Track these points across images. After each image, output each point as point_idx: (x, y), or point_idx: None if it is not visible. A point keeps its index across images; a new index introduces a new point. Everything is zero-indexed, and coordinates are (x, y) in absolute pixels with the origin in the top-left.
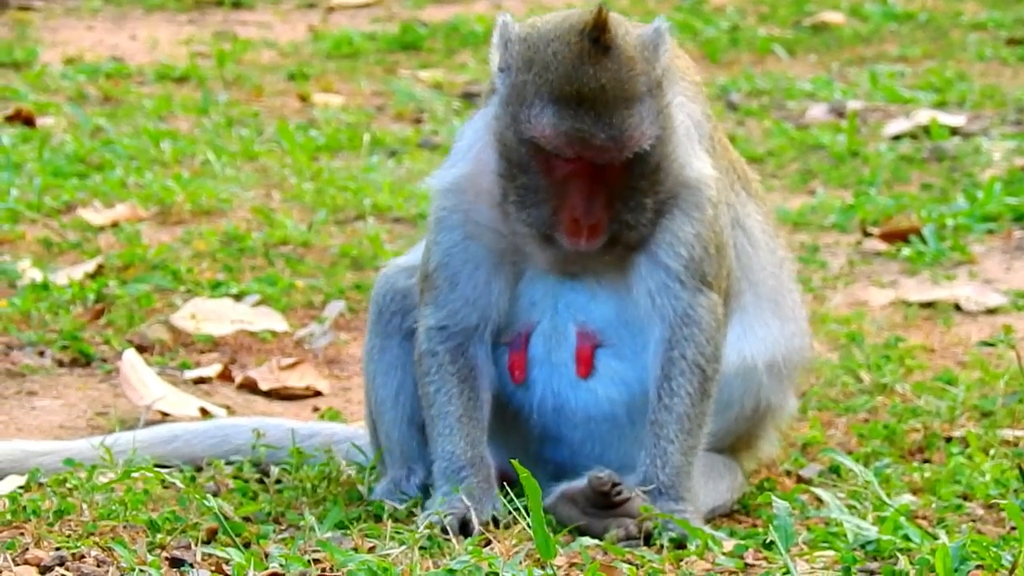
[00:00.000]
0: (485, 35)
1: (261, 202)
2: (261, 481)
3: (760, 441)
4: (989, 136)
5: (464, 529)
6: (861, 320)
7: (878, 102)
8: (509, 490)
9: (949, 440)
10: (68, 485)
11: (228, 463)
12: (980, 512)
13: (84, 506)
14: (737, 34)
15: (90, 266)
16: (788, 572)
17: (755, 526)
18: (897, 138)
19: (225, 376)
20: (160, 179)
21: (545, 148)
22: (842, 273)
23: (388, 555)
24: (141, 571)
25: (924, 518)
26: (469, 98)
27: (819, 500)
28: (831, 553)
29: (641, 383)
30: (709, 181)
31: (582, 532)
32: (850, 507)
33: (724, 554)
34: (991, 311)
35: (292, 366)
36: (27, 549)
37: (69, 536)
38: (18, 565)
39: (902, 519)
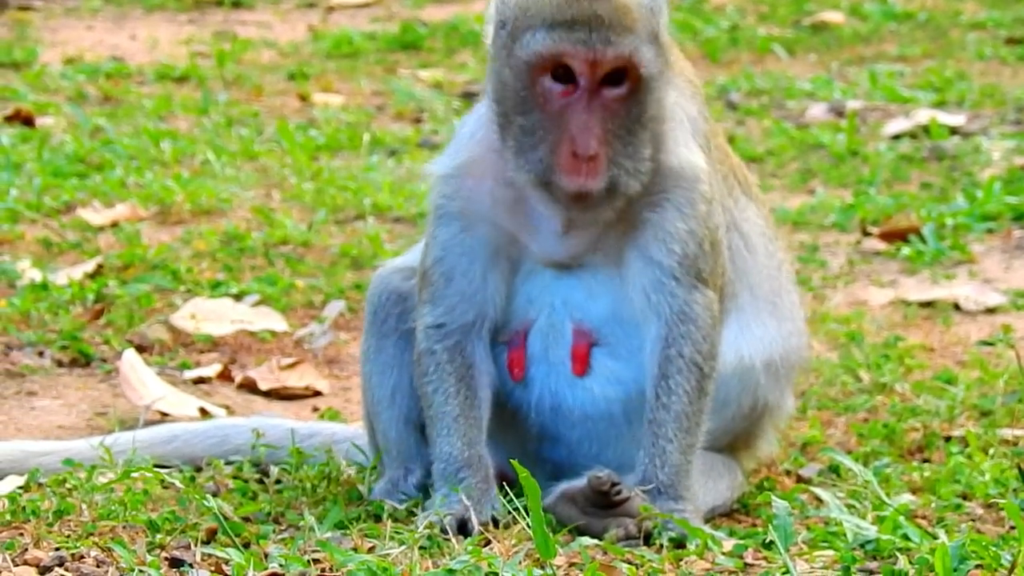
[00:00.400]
0: None
1: (261, 202)
2: (261, 481)
3: (759, 440)
4: (988, 135)
5: (463, 529)
6: (861, 319)
7: (878, 101)
8: (508, 490)
9: (948, 439)
10: (67, 485)
11: (228, 463)
12: (979, 511)
13: (83, 506)
14: (737, 33)
15: (90, 266)
16: (788, 572)
17: (755, 525)
18: (897, 137)
19: (225, 376)
20: (160, 179)
21: (539, 67)
22: (842, 272)
23: (388, 555)
24: (141, 571)
25: (923, 517)
26: (469, 97)
27: (818, 499)
28: (830, 553)
29: (637, 382)
30: (702, 175)
31: (581, 532)
32: (849, 507)
33: (724, 554)
34: (990, 310)
35: (292, 366)
36: (26, 549)
37: (68, 536)
38: (17, 565)
39: (901, 519)
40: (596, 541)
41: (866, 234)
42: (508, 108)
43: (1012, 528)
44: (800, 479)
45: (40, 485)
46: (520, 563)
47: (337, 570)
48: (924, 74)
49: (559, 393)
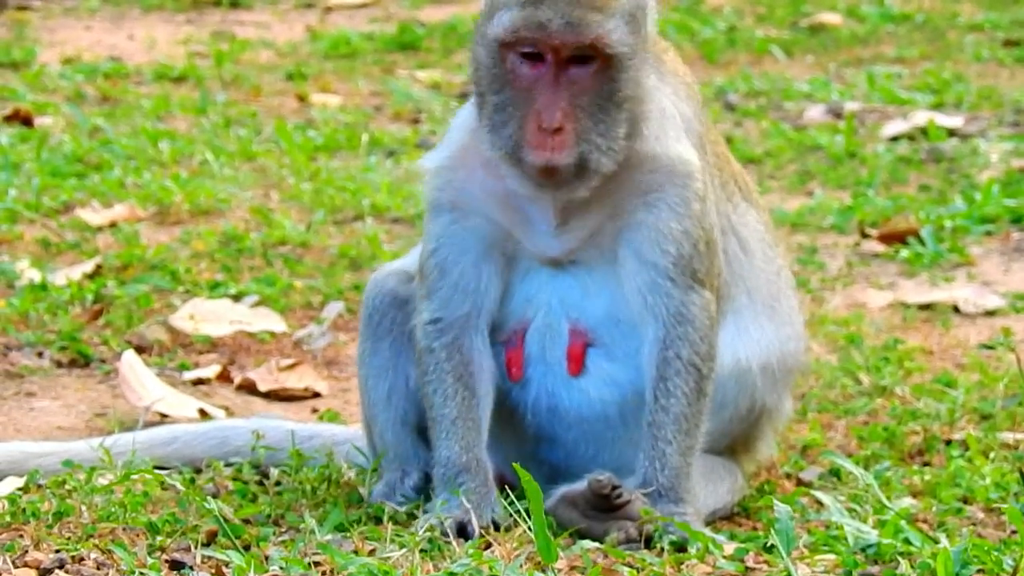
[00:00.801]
0: None
1: (259, 202)
2: (261, 483)
3: (758, 443)
4: (986, 137)
5: (462, 532)
6: (860, 322)
7: (875, 103)
8: (510, 492)
9: (949, 443)
10: (67, 487)
11: (227, 465)
12: (981, 516)
13: (83, 508)
14: (734, 35)
15: (88, 266)
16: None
17: (755, 529)
18: (895, 139)
19: (224, 377)
20: (158, 179)
21: (507, 45)
22: (840, 274)
23: (388, 558)
24: (141, 574)
25: (924, 521)
26: (467, 97)
27: (819, 503)
28: (832, 557)
29: (632, 384)
30: (695, 172)
31: (582, 535)
32: (850, 510)
33: (725, 557)
34: (990, 313)
35: (291, 367)
36: (26, 551)
37: (69, 538)
38: (17, 567)
39: (903, 522)
40: (597, 544)
41: (865, 236)
42: (484, 87)
43: (1013, 532)
44: (800, 482)
45: (40, 486)
46: (521, 566)
47: (338, 573)
48: (922, 76)
49: (556, 394)
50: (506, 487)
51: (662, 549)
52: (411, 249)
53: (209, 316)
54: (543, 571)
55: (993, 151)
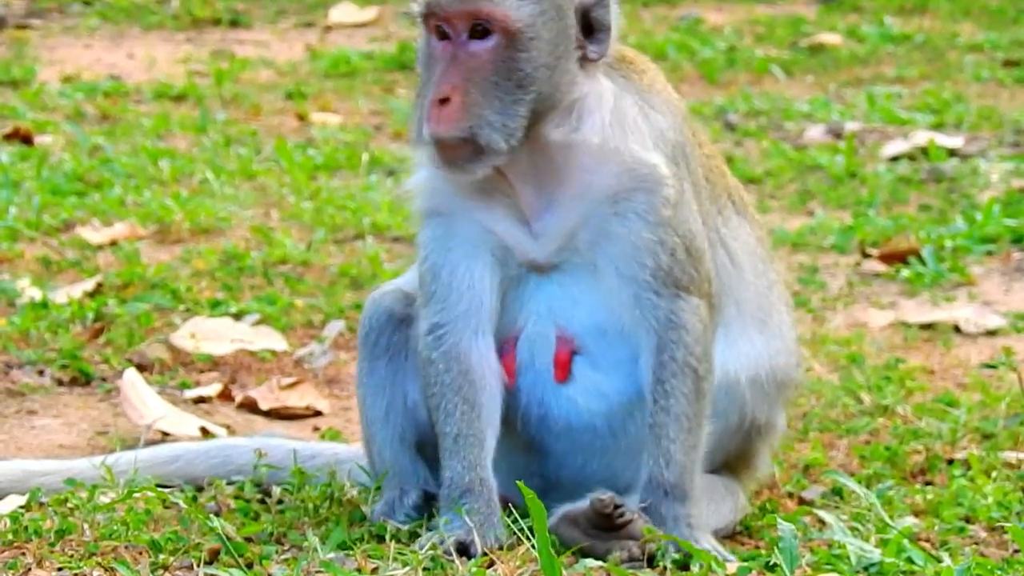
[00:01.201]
0: None
1: (260, 221)
2: (263, 501)
3: (755, 459)
4: (987, 157)
5: (464, 552)
6: (861, 341)
7: (876, 123)
8: (514, 510)
9: (951, 462)
10: (69, 505)
11: (229, 483)
12: (983, 535)
13: (86, 526)
14: (734, 54)
15: (89, 285)
16: None
17: (758, 548)
18: (895, 159)
19: (225, 396)
20: (159, 198)
21: (423, 23)
22: (841, 294)
23: None
24: None
25: (927, 540)
26: None
27: (821, 522)
28: None
29: (619, 395)
30: (663, 179)
31: (585, 554)
32: (853, 529)
33: None
34: (991, 333)
35: (292, 386)
36: (29, 569)
37: (71, 556)
38: None
39: (905, 541)
40: (600, 563)
41: (865, 256)
42: (420, 71)
43: (1016, 551)
44: (803, 501)
45: (42, 505)
46: None
47: None
48: (922, 96)
49: (545, 403)
50: (509, 505)
51: (665, 568)
52: (410, 268)
53: (210, 335)
54: None
55: (993, 171)
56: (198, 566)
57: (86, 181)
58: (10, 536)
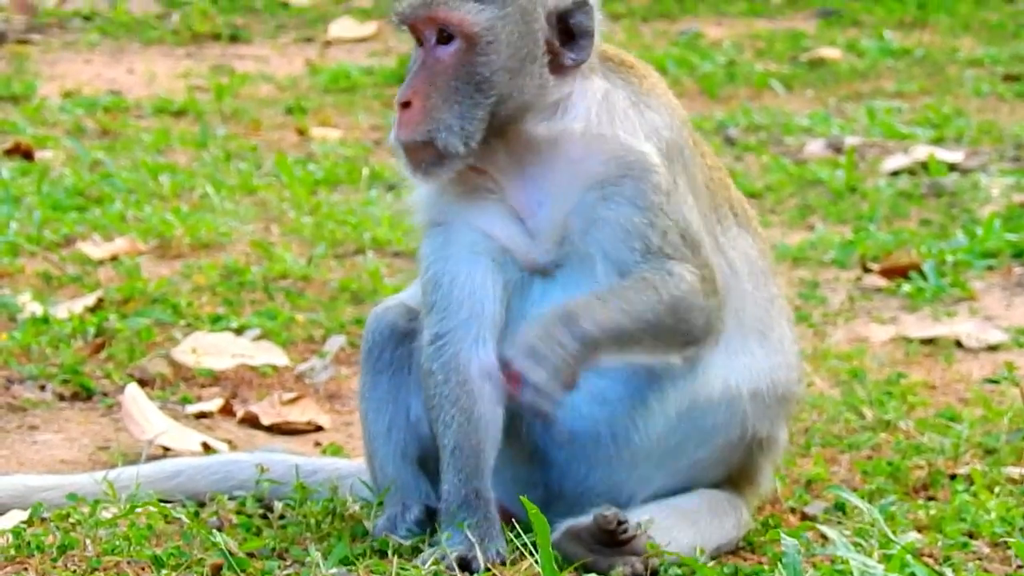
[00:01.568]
0: None
1: (260, 236)
2: (265, 516)
3: (757, 475)
4: (987, 172)
5: (467, 567)
6: (862, 356)
7: (876, 138)
8: (517, 525)
9: (953, 477)
10: (71, 520)
11: (231, 498)
12: (986, 550)
13: (88, 541)
14: (734, 69)
15: (90, 300)
16: None
17: (760, 564)
18: (895, 174)
19: (226, 410)
20: (159, 213)
21: (398, 26)
22: (842, 309)
23: None
24: None
25: (930, 556)
26: None
27: (824, 537)
28: None
29: (621, 400)
30: (651, 166)
31: (588, 569)
32: (856, 544)
33: None
34: (992, 348)
35: (293, 401)
36: None
37: (73, 572)
38: None
39: (908, 557)
40: None
41: (866, 270)
42: None
43: (1019, 567)
44: (805, 517)
45: (44, 520)
46: None
47: None
48: (922, 110)
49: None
50: (512, 519)
51: None
52: (412, 283)
53: (211, 349)
54: None
55: (994, 186)
56: None
57: (87, 196)
58: (12, 551)
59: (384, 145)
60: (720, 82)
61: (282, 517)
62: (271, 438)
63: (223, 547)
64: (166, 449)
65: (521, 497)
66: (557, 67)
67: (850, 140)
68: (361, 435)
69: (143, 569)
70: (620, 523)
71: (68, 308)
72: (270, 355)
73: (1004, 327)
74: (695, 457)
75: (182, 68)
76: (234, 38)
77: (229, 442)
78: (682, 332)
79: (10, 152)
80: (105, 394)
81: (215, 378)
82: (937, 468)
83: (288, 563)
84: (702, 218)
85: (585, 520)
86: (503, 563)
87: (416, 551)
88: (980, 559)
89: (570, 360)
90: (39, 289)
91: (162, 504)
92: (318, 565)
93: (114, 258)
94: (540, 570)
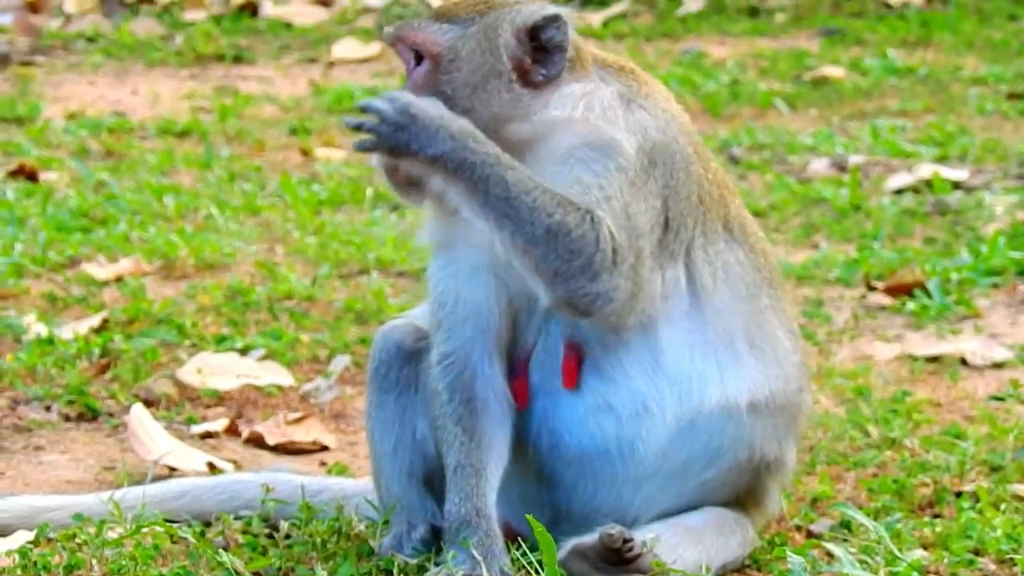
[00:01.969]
0: None
1: (265, 256)
2: (271, 536)
3: (765, 498)
4: (991, 190)
5: None
6: (867, 374)
7: (880, 156)
8: (523, 544)
9: (959, 495)
10: (78, 540)
11: (237, 518)
12: (992, 568)
13: (94, 561)
14: (738, 88)
15: (95, 320)
16: None
17: None
18: (899, 192)
19: (232, 431)
20: (163, 233)
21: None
22: (847, 327)
23: None
24: None
25: (936, 573)
26: None
27: (830, 555)
28: None
29: (626, 407)
30: (621, 149)
31: None
32: (862, 562)
33: None
34: (998, 365)
35: (298, 420)
36: None
37: None
38: None
39: (915, 574)
40: None
41: (871, 289)
42: None
43: None
44: (811, 535)
45: (50, 540)
46: None
47: None
48: (926, 129)
49: (556, 430)
50: (518, 538)
51: None
52: (418, 303)
53: (216, 370)
54: None
55: (998, 203)
56: None
57: (91, 217)
58: (19, 572)
59: None
60: (724, 101)
61: (288, 536)
62: (276, 458)
63: (229, 567)
64: (172, 469)
65: (527, 516)
66: (529, 81)
67: (854, 159)
68: (367, 454)
69: None
70: (626, 541)
71: (73, 329)
72: (275, 375)
73: (1009, 344)
74: (702, 478)
75: (186, 89)
76: (238, 59)
77: (234, 462)
78: (552, 265)
79: (14, 173)
80: (110, 415)
81: (220, 398)
82: (943, 485)
83: None
84: (676, 230)
85: (591, 538)
86: None
87: (422, 570)
88: None
89: (432, 130)
90: (44, 310)
91: (168, 524)
92: None
93: (119, 279)
94: None
